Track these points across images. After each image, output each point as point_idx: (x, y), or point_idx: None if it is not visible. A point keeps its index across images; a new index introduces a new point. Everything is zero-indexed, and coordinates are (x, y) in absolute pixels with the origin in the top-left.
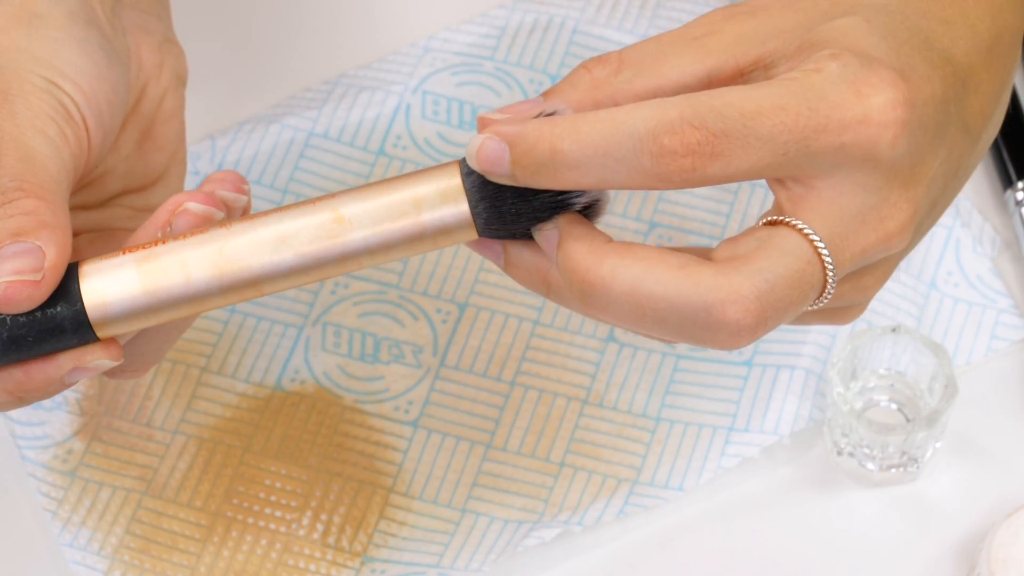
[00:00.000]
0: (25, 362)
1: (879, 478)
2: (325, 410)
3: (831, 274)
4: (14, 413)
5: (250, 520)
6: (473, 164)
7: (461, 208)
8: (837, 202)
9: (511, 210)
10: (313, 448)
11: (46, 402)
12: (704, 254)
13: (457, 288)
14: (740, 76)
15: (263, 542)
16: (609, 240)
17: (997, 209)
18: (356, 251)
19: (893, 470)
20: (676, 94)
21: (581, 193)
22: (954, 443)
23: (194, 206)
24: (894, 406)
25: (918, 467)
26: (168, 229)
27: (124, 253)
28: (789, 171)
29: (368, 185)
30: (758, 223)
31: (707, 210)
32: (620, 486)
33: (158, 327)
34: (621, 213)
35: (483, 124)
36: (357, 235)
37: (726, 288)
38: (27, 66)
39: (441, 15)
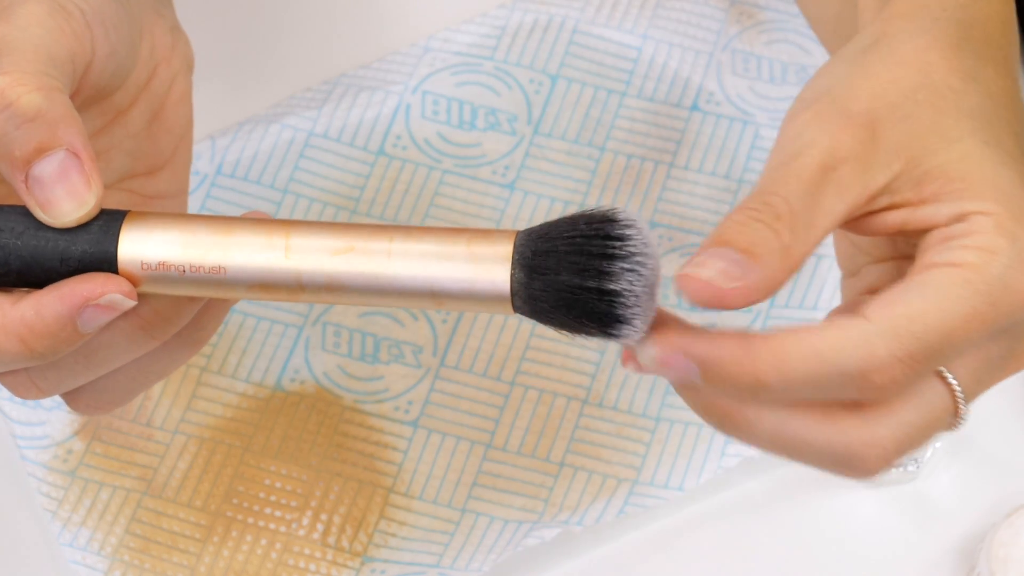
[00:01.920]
0: (37, 298)
1: (879, 478)
2: (325, 410)
3: (962, 419)
4: (14, 413)
5: (250, 520)
6: (646, 364)
7: (502, 274)
8: (987, 351)
9: (550, 300)
10: (313, 448)
11: (46, 402)
12: None
13: None
14: (870, 202)
15: (263, 542)
16: None
17: None
18: (391, 280)
19: (893, 470)
20: (824, 237)
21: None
22: (954, 443)
23: None
24: None
25: (918, 467)
26: None
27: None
28: None
29: (430, 228)
30: None
31: (707, 210)
32: (620, 486)
33: (131, 366)
34: None
35: (691, 286)
36: (397, 265)
37: (871, 441)
38: None
39: (441, 15)
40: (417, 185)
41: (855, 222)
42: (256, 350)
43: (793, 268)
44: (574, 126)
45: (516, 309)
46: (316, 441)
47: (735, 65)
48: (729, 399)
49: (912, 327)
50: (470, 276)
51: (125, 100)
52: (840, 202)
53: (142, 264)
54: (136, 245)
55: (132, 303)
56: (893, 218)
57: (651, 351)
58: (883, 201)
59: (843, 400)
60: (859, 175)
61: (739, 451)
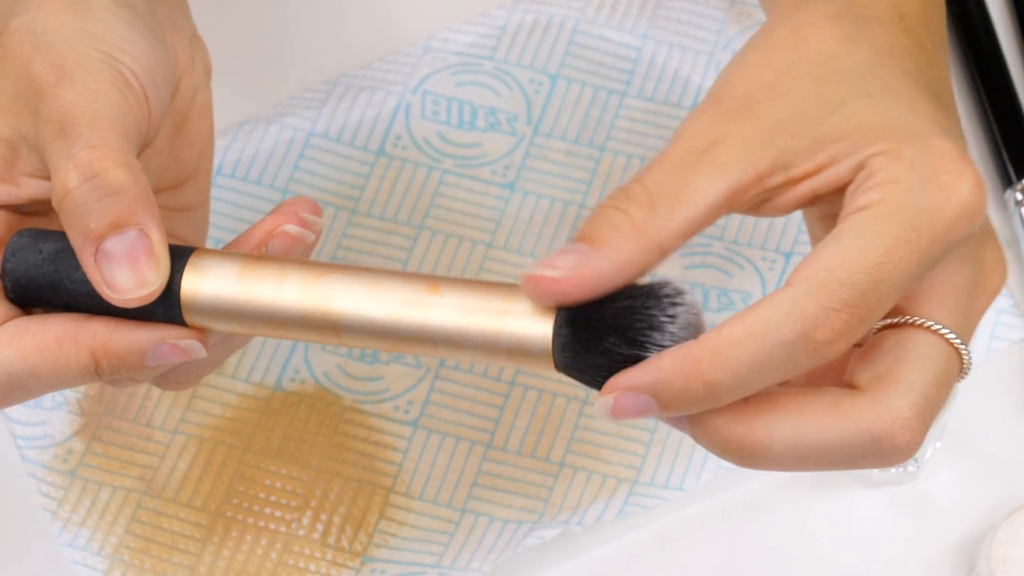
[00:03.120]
0: (111, 320)
1: (879, 478)
2: (325, 410)
3: (967, 358)
4: (14, 413)
5: (250, 520)
6: (606, 419)
7: (544, 326)
8: (950, 283)
9: (597, 348)
10: (313, 448)
11: (46, 402)
12: (836, 377)
13: None
14: (760, 182)
15: (263, 542)
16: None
17: (997, 209)
18: (435, 328)
19: (893, 470)
20: (708, 218)
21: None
22: (954, 443)
23: (292, 228)
24: None
25: (918, 467)
26: (264, 249)
27: (231, 254)
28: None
29: (476, 280)
30: (879, 326)
31: None
32: (620, 486)
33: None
34: None
35: (533, 284)
36: (441, 313)
37: (888, 416)
38: (81, 41)
39: (441, 15)
40: (417, 185)
41: (759, 205)
42: (256, 350)
43: (653, 244)
44: (574, 126)
45: (558, 364)
46: (316, 441)
47: None
48: (710, 435)
49: (836, 275)
50: (512, 331)
51: None
52: (718, 180)
53: (199, 308)
54: (194, 283)
55: (204, 354)
56: (801, 190)
57: (603, 403)
58: (778, 178)
59: (804, 371)
60: (741, 154)
61: None
